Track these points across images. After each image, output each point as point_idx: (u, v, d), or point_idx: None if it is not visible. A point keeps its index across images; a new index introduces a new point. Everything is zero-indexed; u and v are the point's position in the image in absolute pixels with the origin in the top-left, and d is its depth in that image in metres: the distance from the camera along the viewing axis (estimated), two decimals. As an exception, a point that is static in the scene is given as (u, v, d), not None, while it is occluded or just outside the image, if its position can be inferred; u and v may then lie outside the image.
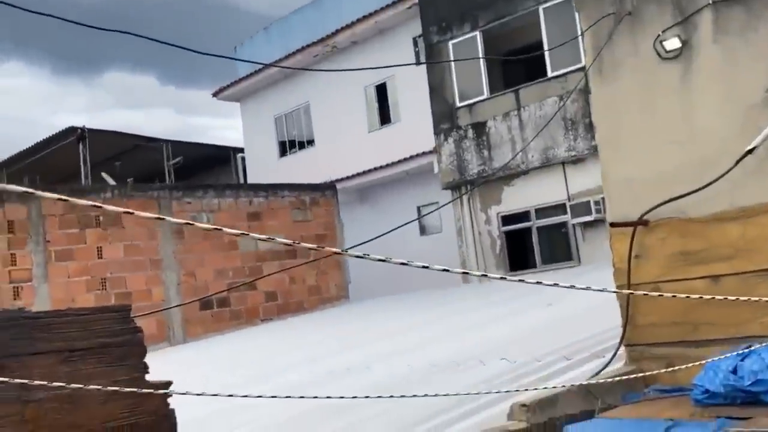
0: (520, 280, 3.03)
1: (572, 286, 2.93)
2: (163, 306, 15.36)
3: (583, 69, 14.89)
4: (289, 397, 3.79)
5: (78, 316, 3.19)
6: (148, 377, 3.23)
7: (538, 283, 2.96)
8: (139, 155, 24.08)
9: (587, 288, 3.04)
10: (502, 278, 2.75)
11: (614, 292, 4.89)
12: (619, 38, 6.06)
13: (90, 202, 2.01)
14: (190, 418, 3.99)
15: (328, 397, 3.94)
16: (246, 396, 3.43)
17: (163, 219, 2.09)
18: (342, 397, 4.07)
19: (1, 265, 14.53)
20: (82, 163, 21.54)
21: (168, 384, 3.20)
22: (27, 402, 2.82)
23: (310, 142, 23.80)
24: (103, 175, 21.72)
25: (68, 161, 22.48)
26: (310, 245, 2.52)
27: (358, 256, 2.45)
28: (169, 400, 3.17)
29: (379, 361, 7.89)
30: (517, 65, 16.75)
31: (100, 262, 15.36)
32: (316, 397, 3.93)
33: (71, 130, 21.57)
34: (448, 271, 2.58)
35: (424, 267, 2.58)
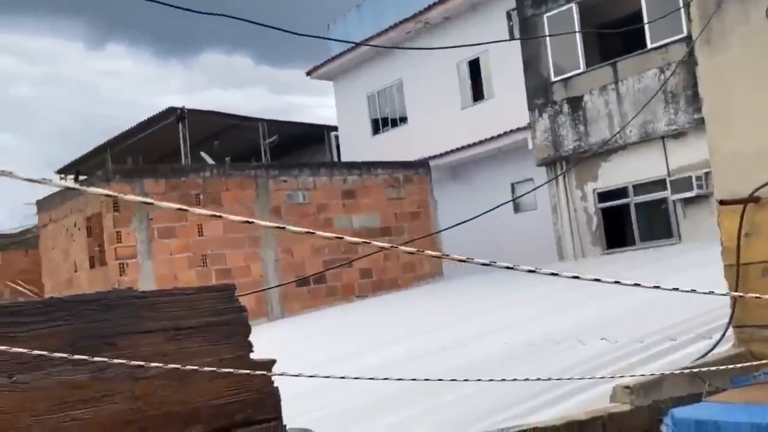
0: (575, 277, 2.72)
1: (657, 287, 2.76)
2: (262, 282, 15.69)
3: (684, 39, 14.38)
4: (373, 378, 3.78)
5: (184, 296, 3.25)
6: (252, 355, 3.28)
7: (596, 280, 2.78)
8: (236, 134, 24.54)
9: (677, 291, 2.91)
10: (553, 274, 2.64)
11: (722, 294, 4.69)
12: (728, 6, 5.78)
13: (103, 191, 2.02)
14: (291, 394, 4.04)
15: (413, 379, 3.93)
16: (343, 377, 3.45)
17: (186, 210, 2.09)
18: (427, 379, 4.05)
19: (107, 242, 15.09)
20: (182, 143, 22.11)
21: (272, 363, 3.24)
22: (138, 379, 2.89)
23: (403, 120, 23.75)
24: (202, 154, 22.24)
25: (169, 141, 23.10)
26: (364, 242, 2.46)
27: (450, 260, 2.41)
28: (273, 378, 3.20)
29: (475, 339, 7.85)
30: (615, 37, 16.24)
31: (201, 239, 15.77)
32: (400, 379, 3.92)
33: (171, 111, 22.14)
34: (533, 271, 2.47)
35: (508, 268, 2.50)
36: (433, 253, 2.53)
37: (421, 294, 15.88)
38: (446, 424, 4.66)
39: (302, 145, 26.64)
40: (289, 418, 3.39)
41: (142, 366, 2.89)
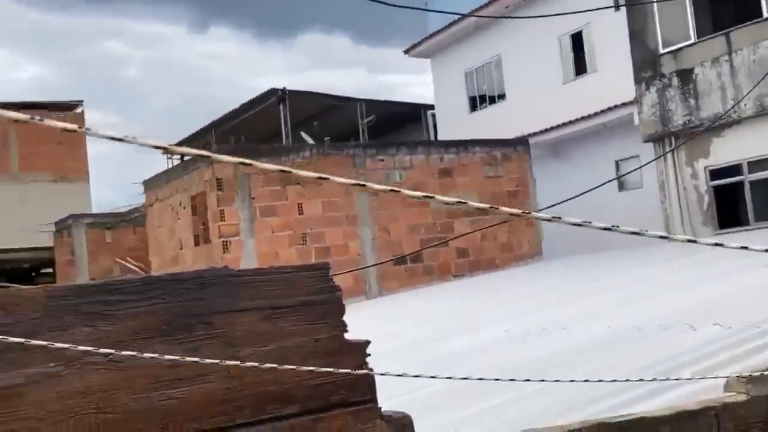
0: (716, 244, 2.57)
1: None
2: (359, 260, 15.76)
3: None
4: (451, 378, 3.66)
5: (280, 274, 3.19)
6: (347, 336, 3.19)
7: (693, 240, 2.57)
8: (335, 114, 24.71)
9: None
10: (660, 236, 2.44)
11: None
12: None
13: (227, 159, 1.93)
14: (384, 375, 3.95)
15: (492, 378, 3.77)
16: (450, 377, 3.34)
17: (289, 171, 1.97)
18: (510, 379, 3.89)
19: (211, 220, 15.45)
20: (282, 123, 22.40)
21: (366, 343, 3.15)
22: (231, 358, 2.84)
23: (501, 97, 23.34)
24: (303, 134, 22.49)
25: (270, 121, 23.46)
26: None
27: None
28: (368, 359, 3.12)
29: (575, 323, 7.60)
30: (728, 6, 15.47)
31: (301, 218, 15.96)
32: (481, 379, 3.77)
33: (272, 92, 22.45)
34: (665, 237, 2.29)
35: (634, 233, 2.31)
36: (573, 220, 2.38)
37: (519, 274, 15.62)
38: (546, 411, 4.50)
39: (399, 124, 26.59)
40: (383, 399, 3.30)
41: (236, 346, 2.85)
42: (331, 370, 3.07)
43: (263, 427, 3.05)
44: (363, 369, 3.18)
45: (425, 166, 17.46)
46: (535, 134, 20.30)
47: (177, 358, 2.80)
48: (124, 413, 2.62)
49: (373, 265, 15.53)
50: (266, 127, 24.44)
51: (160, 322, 2.78)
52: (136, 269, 20.20)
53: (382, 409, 3.21)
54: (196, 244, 16.47)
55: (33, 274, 26.97)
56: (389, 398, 4.02)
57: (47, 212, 27.46)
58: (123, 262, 21.11)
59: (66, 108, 34.46)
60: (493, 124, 22.31)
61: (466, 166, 17.98)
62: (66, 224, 23.43)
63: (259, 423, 2.97)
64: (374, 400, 3.13)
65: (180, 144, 27.49)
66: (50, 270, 25.16)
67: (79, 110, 34.84)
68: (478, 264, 17.56)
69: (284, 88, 22.35)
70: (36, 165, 31.95)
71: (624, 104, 18.18)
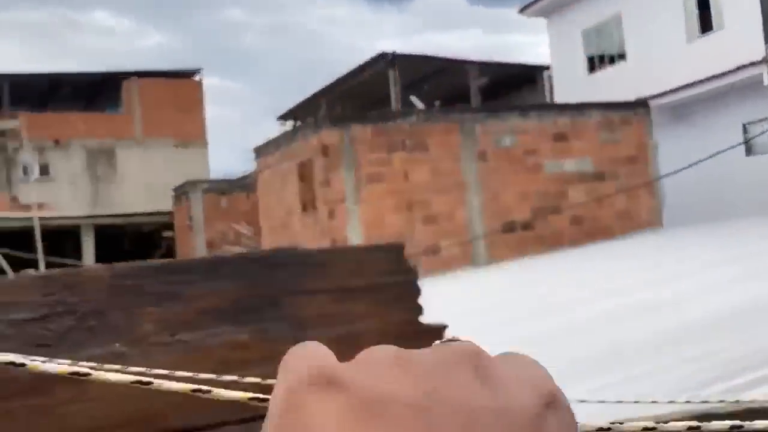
0: None
1: None
2: (467, 228, 15.52)
3: None
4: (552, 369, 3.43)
5: (351, 255, 3.03)
6: (422, 319, 3.01)
7: None
8: (446, 77, 24.37)
9: None
10: None
11: None
12: None
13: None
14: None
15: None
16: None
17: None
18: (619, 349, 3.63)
19: (318, 187, 15.54)
20: (391, 88, 22.26)
21: (443, 328, 2.96)
22: (301, 341, 2.64)
23: (621, 57, 22.38)
24: (412, 98, 22.29)
25: (380, 86, 23.36)
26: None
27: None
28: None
29: (694, 298, 7.18)
30: None
31: (407, 185, 15.82)
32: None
33: (382, 56, 22.32)
34: None
35: None
36: None
37: (637, 244, 15.02)
38: (667, 388, 4.22)
39: (513, 86, 25.99)
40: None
41: (305, 328, 2.74)
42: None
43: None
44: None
45: (538, 130, 16.96)
46: (656, 96, 19.39)
47: (245, 339, 2.71)
48: (183, 396, 2.55)
49: (481, 236, 15.26)
50: (377, 91, 24.36)
51: (227, 303, 2.70)
52: (248, 233, 20.66)
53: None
54: (304, 210, 16.63)
55: (155, 237, 28.05)
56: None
57: (169, 176, 28.48)
58: (237, 227, 21.63)
59: (186, 75, 35.48)
60: (612, 85, 21.45)
61: (581, 130, 17.37)
62: (184, 190, 24.19)
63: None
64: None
65: (291, 110, 27.86)
66: (171, 233, 26.08)
67: (197, 77, 35.79)
68: (594, 232, 16.99)
69: (394, 51, 22.16)
70: (158, 130, 33.10)
71: (753, 64, 17.11)
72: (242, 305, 2.68)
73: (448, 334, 3.06)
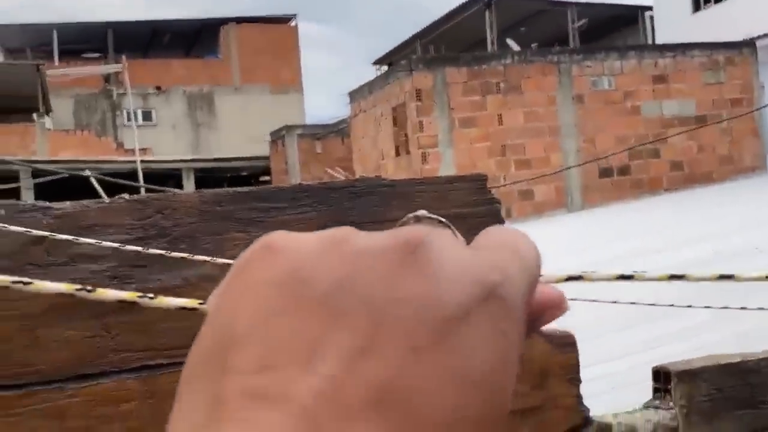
0: None
1: None
2: (562, 174, 15.29)
3: None
4: (615, 302, 3.36)
5: (434, 185, 3.05)
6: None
7: None
8: (544, 19, 23.84)
9: None
10: None
11: None
12: None
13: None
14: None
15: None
16: (615, 301, 3.09)
17: None
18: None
19: (411, 131, 15.55)
20: (488, 30, 21.92)
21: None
22: None
23: (728, -5, 21.37)
24: (508, 41, 21.90)
25: (475, 30, 23.05)
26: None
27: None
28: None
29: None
30: None
31: (500, 128, 15.67)
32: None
33: (478, -2, 21.96)
34: None
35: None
36: None
37: (738, 190, 14.50)
38: (742, 335, 4.13)
39: (613, 28, 25.20)
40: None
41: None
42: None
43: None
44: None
45: (637, 72, 16.45)
46: (763, 36, 18.49)
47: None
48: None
49: (569, 168, 15.00)
50: (472, 35, 24.05)
51: (311, 229, 2.78)
52: (342, 178, 20.91)
53: (543, 328, 3.06)
54: (397, 154, 16.70)
55: (252, 182, 28.71)
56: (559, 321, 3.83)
57: (266, 122, 28.98)
58: (332, 171, 21.91)
59: (281, 21, 35.77)
60: (718, 25, 20.55)
61: (683, 71, 16.75)
62: (280, 135, 24.60)
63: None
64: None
65: (386, 55, 27.78)
66: (267, 178, 26.64)
67: (293, 23, 36.02)
68: (693, 177, 16.49)
69: (491, -7, 21.77)
70: (255, 77, 33.62)
71: None
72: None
73: (551, 267, 3.08)
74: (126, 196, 2.45)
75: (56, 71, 28.21)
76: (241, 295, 0.29)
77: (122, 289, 2.05)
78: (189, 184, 25.67)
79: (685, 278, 0.43)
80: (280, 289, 0.29)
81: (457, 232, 0.34)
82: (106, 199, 2.15)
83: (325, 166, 22.59)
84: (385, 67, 28.01)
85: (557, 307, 0.35)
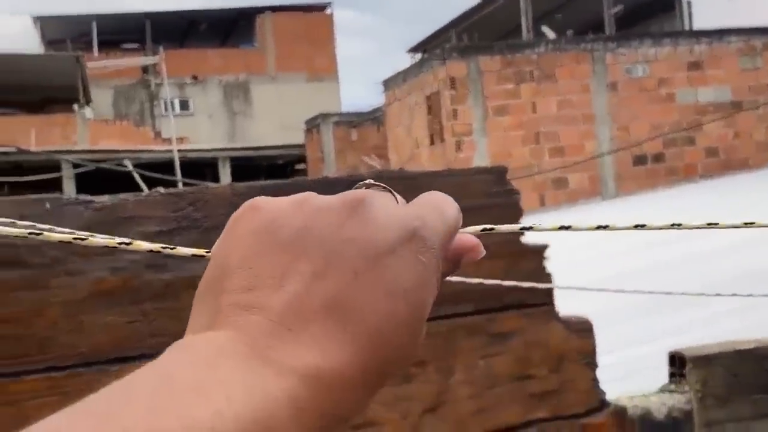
0: None
1: None
2: (596, 161, 15.24)
3: None
4: (636, 291, 3.45)
5: (455, 177, 3.16)
6: (523, 240, 3.12)
7: None
8: (579, 5, 23.62)
9: None
10: None
11: None
12: None
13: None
14: (587, 280, 3.86)
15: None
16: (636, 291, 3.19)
17: None
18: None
19: (445, 119, 15.59)
20: (522, 18, 21.80)
21: (545, 247, 3.07)
22: None
23: (769, -21, 20.97)
24: (544, 28, 21.76)
25: (510, 17, 22.92)
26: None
27: None
28: (546, 263, 3.05)
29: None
30: None
31: (534, 116, 15.64)
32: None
33: (513, -16, 21.82)
34: None
35: None
36: None
37: (776, 176, 14.30)
38: (765, 324, 4.16)
39: (649, 14, 24.87)
40: (572, 307, 3.23)
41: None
42: (506, 272, 3.04)
43: (442, 322, 3.13)
44: (540, 273, 3.12)
45: (672, 59, 16.29)
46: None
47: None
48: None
49: (602, 155, 14.93)
50: (507, 22, 23.93)
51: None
52: (378, 166, 20.99)
53: (560, 314, 3.15)
54: (431, 143, 16.74)
55: (288, 170, 28.91)
56: (578, 306, 3.91)
57: (301, 111, 29.11)
58: (367, 160, 22.02)
59: (317, 9, 35.83)
60: (756, 10, 20.22)
61: (719, 57, 16.54)
62: (315, 123, 24.73)
63: (437, 318, 3.05)
64: (551, 303, 3.08)
65: (421, 43, 27.74)
66: (303, 166, 26.81)
67: (328, 11, 36.07)
68: (729, 164, 16.31)
69: (526, -21, 21.62)
70: (291, 65, 33.75)
71: None
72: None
73: (548, 254, 3.17)
74: (161, 189, 2.60)
75: (96, 63, 28.61)
76: (232, 240, 0.42)
77: (159, 277, 2.19)
78: (225, 173, 25.97)
79: (646, 227, 0.51)
80: (259, 236, 0.41)
81: (397, 195, 0.47)
82: (142, 192, 2.28)
83: (360, 154, 22.68)
84: (419, 55, 27.99)
85: (474, 250, 0.48)
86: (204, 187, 3.18)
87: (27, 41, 35.03)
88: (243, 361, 0.36)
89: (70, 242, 0.56)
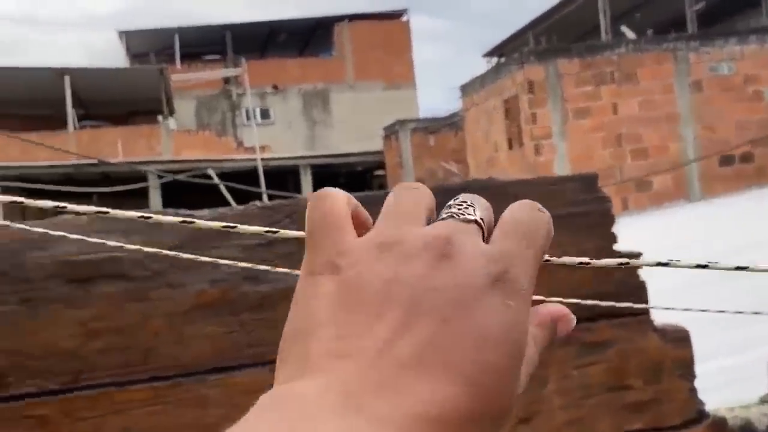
0: None
1: None
2: (679, 162, 14.87)
3: None
4: (741, 313, 3.32)
5: (545, 185, 3.14)
6: (616, 247, 3.08)
7: None
8: (661, 4, 23.11)
9: None
10: None
11: None
12: None
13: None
14: (670, 286, 3.79)
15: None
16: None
17: None
18: None
19: (524, 123, 15.46)
20: (601, 18, 21.46)
21: (638, 255, 3.02)
22: None
23: None
24: (623, 28, 21.36)
25: (589, 17, 22.59)
26: None
27: None
28: (639, 271, 3.00)
29: None
30: None
31: (615, 118, 15.37)
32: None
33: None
34: None
35: None
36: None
37: None
38: None
39: (734, 10, 24.12)
40: (662, 314, 3.17)
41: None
42: (598, 281, 3.00)
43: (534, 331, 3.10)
44: (634, 281, 3.07)
45: (759, 56, 15.77)
46: None
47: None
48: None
49: (693, 161, 14.55)
50: (585, 23, 23.58)
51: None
52: (456, 171, 20.95)
53: (655, 323, 3.10)
54: (510, 147, 16.63)
55: (367, 176, 29.09)
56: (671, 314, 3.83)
57: (379, 118, 29.25)
58: (445, 165, 21.98)
59: (393, 16, 35.97)
60: None
61: (811, 53, 15.96)
62: (393, 129, 24.81)
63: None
64: (646, 312, 3.03)
65: (497, 47, 27.58)
66: (382, 172, 26.92)
67: (404, 18, 36.17)
68: (824, 165, 15.70)
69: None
70: (368, 73, 33.95)
71: None
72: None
73: (642, 259, 3.11)
74: (258, 203, 2.67)
75: (180, 76, 29.32)
76: (317, 292, 0.41)
77: (255, 289, 2.24)
78: (306, 180, 26.29)
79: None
80: (347, 289, 0.41)
81: (484, 223, 0.46)
82: (240, 206, 2.34)
83: (438, 159, 22.66)
84: (495, 59, 27.81)
85: (563, 320, 0.47)
86: (300, 200, 3.26)
87: (111, 55, 36.18)
88: (337, 413, 0.36)
89: (222, 229, 0.58)
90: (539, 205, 0.49)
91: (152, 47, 34.19)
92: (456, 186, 3.26)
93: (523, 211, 0.47)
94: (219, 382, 1.90)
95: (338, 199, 0.46)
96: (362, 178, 29.05)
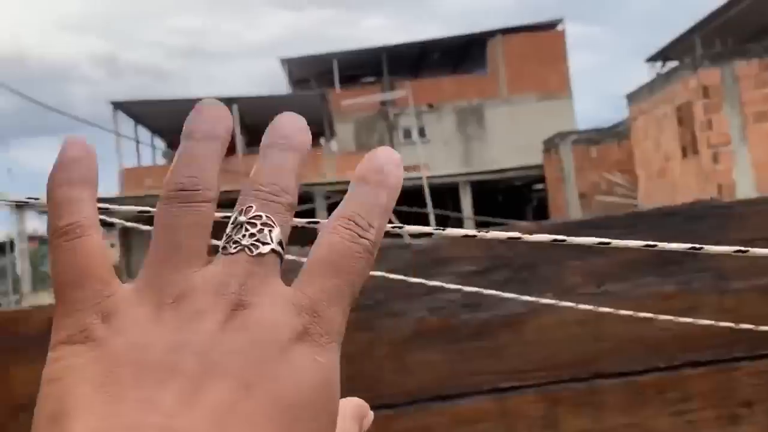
0: None
1: None
2: None
3: None
4: None
5: (770, 206, 2.95)
6: None
7: None
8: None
9: None
10: None
11: None
12: None
13: None
14: None
15: None
16: None
17: None
18: None
19: (698, 130, 14.76)
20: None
21: None
22: (724, 291, 2.79)
23: None
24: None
25: (761, 16, 21.37)
26: None
27: None
28: None
29: None
30: None
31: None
32: None
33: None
34: None
35: None
36: None
37: None
38: None
39: None
40: None
41: (728, 279, 2.75)
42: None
43: (762, 362, 2.92)
44: None
45: None
46: None
47: (671, 290, 2.80)
48: (615, 341, 2.72)
49: None
50: (756, 22, 22.30)
51: (650, 255, 2.80)
52: (623, 183, 20.29)
53: None
54: (684, 155, 15.90)
55: (525, 191, 28.76)
56: None
57: (534, 131, 28.92)
58: (610, 177, 21.35)
59: (548, 27, 35.50)
60: None
61: None
62: (553, 142, 24.40)
63: (764, 357, 2.86)
64: None
65: (661, 50, 26.57)
66: (541, 186, 26.54)
67: (560, 28, 35.62)
68: None
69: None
70: (522, 87, 33.64)
71: None
72: (664, 257, 2.76)
73: None
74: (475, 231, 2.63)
75: (345, 102, 30.10)
76: (70, 372, 0.33)
77: (475, 316, 2.23)
78: (466, 197, 26.31)
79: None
80: (110, 367, 0.32)
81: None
82: (406, 237, 2.33)
83: (600, 170, 22.04)
84: (659, 64, 26.82)
85: (369, 417, 0.46)
86: (512, 225, 3.22)
87: (269, 82, 37.70)
88: None
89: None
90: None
91: (312, 73, 35.33)
92: (678, 209, 3.13)
93: (333, 235, 0.37)
94: (442, 411, 1.90)
95: (92, 236, 0.36)
96: (521, 192, 28.75)
